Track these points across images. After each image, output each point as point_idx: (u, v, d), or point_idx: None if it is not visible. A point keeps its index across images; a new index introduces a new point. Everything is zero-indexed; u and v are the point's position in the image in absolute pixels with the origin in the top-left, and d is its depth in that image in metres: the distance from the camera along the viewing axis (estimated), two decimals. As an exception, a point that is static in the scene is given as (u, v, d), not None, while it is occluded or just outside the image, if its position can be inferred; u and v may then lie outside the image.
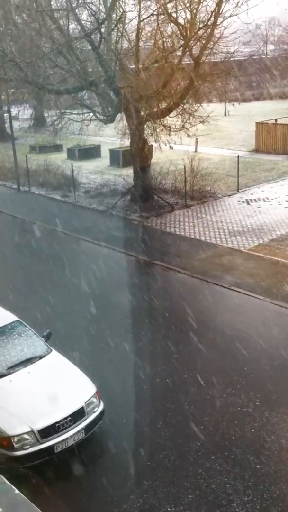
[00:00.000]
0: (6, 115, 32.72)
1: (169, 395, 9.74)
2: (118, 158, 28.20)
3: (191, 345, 11.41)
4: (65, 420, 8.19)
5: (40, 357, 9.26)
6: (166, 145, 20.09)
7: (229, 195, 22.28)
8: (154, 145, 21.08)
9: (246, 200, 21.59)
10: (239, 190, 22.77)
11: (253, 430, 8.76)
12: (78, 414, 8.37)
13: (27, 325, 9.85)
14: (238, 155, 24.23)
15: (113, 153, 28.80)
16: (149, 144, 21.13)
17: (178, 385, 10.01)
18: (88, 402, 8.56)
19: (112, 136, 25.74)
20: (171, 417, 9.15)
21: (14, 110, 36.46)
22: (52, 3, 22.51)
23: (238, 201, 21.53)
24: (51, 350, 9.51)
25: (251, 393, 9.69)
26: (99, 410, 8.70)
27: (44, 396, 8.43)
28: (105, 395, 9.06)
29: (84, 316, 12.78)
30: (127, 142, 22.02)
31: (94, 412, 8.61)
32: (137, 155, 21.02)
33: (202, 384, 9.96)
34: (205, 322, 12.44)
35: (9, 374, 8.79)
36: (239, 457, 8.18)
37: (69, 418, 8.24)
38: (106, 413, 8.81)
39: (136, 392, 9.85)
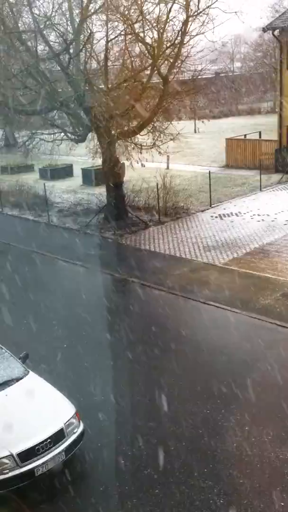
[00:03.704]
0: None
1: (149, 413, 9.67)
2: (91, 177, 28.29)
3: (169, 360, 11.37)
4: (44, 443, 8.05)
5: (17, 379, 9.11)
6: (138, 163, 20.22)
7: (202, 211, 22.47)
8: (126, 163, 21.20)
9: (219, 215, 21.79)
10: (212, 206, 22.98)
11: (234, 445, 8.73)
12: (58, 436, 8.24)
13: (3, 347, 9.71)
14: (209, 171, 24.51)
15: (86, 172, 28.88)
16: (121, 162, 21.24)
17: (157, 402, 9.94)
18: (67, 423, 8.44)
19: (84, 155, 25.81)
20: (152, 434, 9.07)
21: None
22: (19, 24, 22.61)
23: (211, 216, 21.71)
24: (28, 372, 9.37)
25: (232, 406, 9.69)
26: (79, 430, 8.58)
27: (23, 419, 8.30)
28: (84, 415, 8.95)
29: (60, 336, 12.66)
30: (99, 161, 22.13)
31: (74, 433, 8.48)
32: (109, 174, 21.12)
33: (182, 400, 9.93)
34: (182, 337, 12.43)
35: (-14, 397, 8.63)
36: (221, 472, 8.14)
37: (49, 440, 8.10)
38: (85, 432, 8.71)
39: (116, 410, 9.75)
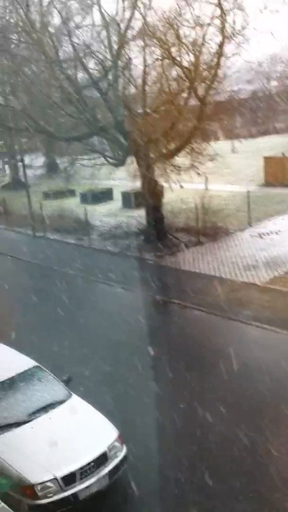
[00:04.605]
0: (20, 163, 33.42)
1: (193, 435, 9.59)
2: (130, 199, 28.56)
3: (212, 381, 11.29)
4: (88, 466, 8.09)
5: (61, 402, 9.21)
6: (176, 184, 20.34)
7: (241, 230, 22.37)
8: (165, 185, 21.35)
9: (259, 233, 21.64)
10: (251, 225, 22.85)
11: (280, 468, 8.56)
12: (101, 459, 8.27)
13: (47, 370, 9.85)
14: (247, 190, 24.41)
15: (125, 195, 29.19)
16: (160, 184, 21.42)
17: (200, 424, 9.86)
18: (110, 446, 8.46)
19: (123, 179, 26.15)
20: (196, 457, 8.99)
21: (27, 158, 37.31)
22: (60, 54, 23.31)
23: (251, 235, 21.58)
24: (72, 395, 9.46)
25: (278, 429, 9.51)
26: (122, 454, 8.59)
27: (66, 442, 8.36)
28: (126, 438, 8.95)
29: (102, 358, 12.74)
30: (138, 184, 22.37)
31: (117, 456, 8.50)
32: (148, 196, 21.31)
33: (226, 422, 9.82)
34: (225, 358, 12.32)
35: (30, 420, 8.74)
36: (268, 497, 7.99)
37: (92, 463, 8.15)
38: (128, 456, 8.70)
39: (159, 433, 9.70)
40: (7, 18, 25.95)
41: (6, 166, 46.30)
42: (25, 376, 9.51)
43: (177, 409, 10.38)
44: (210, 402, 10.52)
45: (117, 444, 8.57)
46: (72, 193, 33.86)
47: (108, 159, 22.08)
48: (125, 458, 8.61)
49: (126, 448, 8.71)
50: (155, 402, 10.69)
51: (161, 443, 9.45)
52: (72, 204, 29.51)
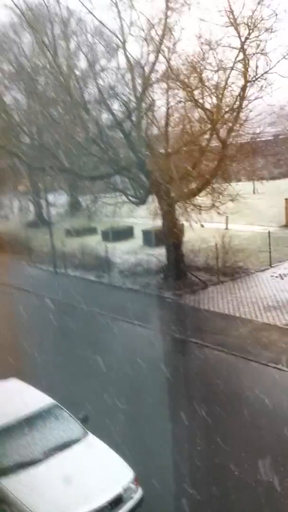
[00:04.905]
0: (43, 201, 33.97)
1: (214, 479, 9.36)
2: (151, 238, 28.72)
3: (231, 423, 11.06)
4: (103, 508, 7.92)
5: (77, 441, 9.10)
6: (197, 223, 20.44)
7: (262, 270, 22.25)
8: (185, 223, 21.46)
9: (280, 274, 21.50)
10: (272, 265, 22.73)
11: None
12: (116, 501, 8.11)
13: (63, 408, 9.77)
14: (269, 230, 24.39)
15: (146, 233, 29.38)
16: (181, 223, 21.54)
17: (219, 467, 9.62)
18: (126, 487, 8.30)
19: (144, 217, 26.36)
20: (215, 502, 8.75)
21: (51, 197, 37.89)
22: (85, 95, 23.95)
23: (271, 275, 21.45)
24: (88, 434, 9.35)
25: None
26: (137, 496, 8.41)
27: (81, 482, 8.23)
28: (143, 479, 8.76)
29: (120, 397, 12.59)
30: (159, 222, 22.53)
31: (132, 498, 8.32)
32: (169, 234, 21.42)
33: (246, 465, 9.57)
34: (244, 399, 12.11)
35: (46, 459, 8.64)
36: None
37: (107, 505, 7.98)
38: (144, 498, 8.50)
39: (176, 476, 9.49)
40: (35, 61, 26.84)
41: (30, 204, 47.05)
42: (41, 414, 9.45)
43: (195, 451, 10.17)
44: (228, 444, 10.29)
45: (132, 485, 8.41)
46: (93, 230, 34.19)
47: (130, 197, 22.35)
48: (141, 500, 8.42)
49: (141, 490, 8.52)
50: (172, 443, 10.49)
51: (178, 485, 9.23)
52: (94, 242, 29.75)
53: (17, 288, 24.03)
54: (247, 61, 18.92)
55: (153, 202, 22.00)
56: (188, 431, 10.97)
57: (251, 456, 9.91)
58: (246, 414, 11.45)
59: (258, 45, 18.71)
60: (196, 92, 19.47)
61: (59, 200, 44.60)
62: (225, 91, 19.41)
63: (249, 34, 18.55)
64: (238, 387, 12.93)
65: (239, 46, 18.72)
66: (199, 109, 19.92)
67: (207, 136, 20.29)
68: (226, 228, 30.10)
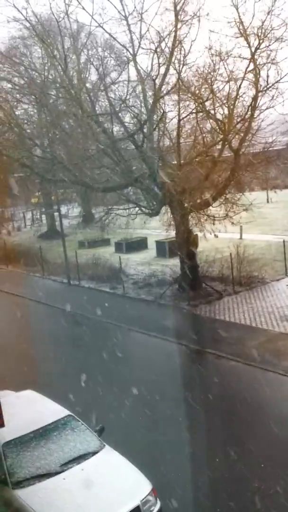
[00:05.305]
0: (56, 213, 34.15)
1: (232, 493, 9.25)
2: (165, 249, 28.72)
3: (249, 435, 10.93)
4: (121, 521, 7.85)
5: (93, 453, 9.04)
6: (211, 233, 20.40)
7: (277, 280, 22.10)
8: (199, 234, 21.43)
9: (296, 284, 21.36)
10: (287, 274, 22.57)
11: None
12: (135, 513, 8.02)
13: (80, 420, 9.72)
14: (283, 239, 24.25)
15: (159, 244, 29.39)
16: (194, 233, 21.51)
17: (238, 480, 9.51)
18: (144, 500, 8.20)
19: (157, 228, 26.39)
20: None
21: (64, 209, 38.12)
22: (96, 108, 24.11)
23: (287, 285, 21.28)
24: (104, 446, 9.28)
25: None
26: (156, 509, 8.31)
27: (99, 495, 8.16)
28: (160, 492, 8.67)
29: (136, 409, 12.53)
30: (172, 233, 22.51)
31: (151, 511, 8.22)
32: (183, 245, 21.38)
33: (265, 478, 9.44)
34: (262, 410, 11.98)
35: (63, 471, 8.59)
36: None
37: (125, 518, 7.90)
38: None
39: (194, 489, 9.38)
40: (46, 74, 27.13)
41: (43, 216, 47.36)
42: (58, 426, 9.41)
43: (213, 463, 10.07)
44: (247, 455, 10.17)
45: (151, 498, 8.31)
46: (107, 242, 34.28)
47: (143, 208, 22.39)
48: (159, 513, 8.33)
49: (160, 502, 8.43)
50: (190, 455, 10.39)
51: (196, 498, 9.13)
52: (107, 253, 29.83)
53: (32, 300, 24.10)
54: (258, 71, 18.98)
55: (166, 213, 22.02)
56: (206, 442, 10.87)
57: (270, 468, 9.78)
58: (269, 424, 11.28)
59: (269, 55, 18.79)
60: (207, 103, 19.53)
61: (72, 212, 44.85)
62: (237, 102, 19.46)
63: (259, 44, 18.63)
64: (255, 398, 12.78)
65: (249, 56, 18.79)
66: (211, 120, 19.97)
67: (219, 146, 20.31)
68: (241, 238, 30.02)
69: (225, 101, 19.51)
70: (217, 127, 19.80)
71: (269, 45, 18.67)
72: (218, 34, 21.09)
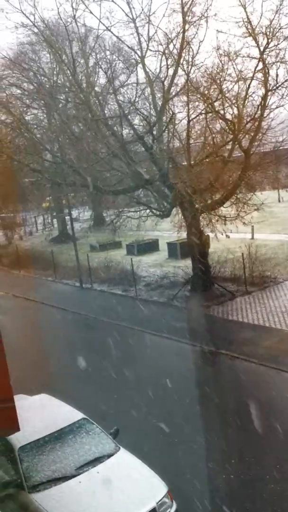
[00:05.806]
0: (67, 217, 34.29)
1: (247, 495, 9.20)
2: (176, 250, 28.68)
3: (263, 437, 10.86)
4: (137, 523, 7.83)
5: (109, 456, 9.04)
6: (222, 234, 20.33)
7: (290, 279, 22.01)
8: (211, 235, 21.37)
9: (309, 283, 21.22)
10: (301, 274, 22.46)
11: None
12: (151, 516, 8.00)
13: (94, 423, 9.72)
14: (296, 239, 24.16)
15: (171, 246, 29.36)
16: (206, 234, 21.46)
17: (253, 482, 9.46)
18: (160, 502, 8.18)
19: (169, 230, 26.35)
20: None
21: (74, 212, 38.22)
22: (105, 111, 24.16)
23: (301, 284, 21.18)
24: (119, 448, 9.28)
25: None
26: (172, 511, 8.28)
27: (115, 498, 8.15)
28: (176, 495, 8.64)
29: (150, 410, 12.51)
30: (184, 235, 22.49)
31: (167, 513, 8.21)
32: (194, 246, 21.33)
33: (279, 480, 9.38)
34: (277, 411, 11.90)
35: (78, 475, 8.59)
36: None
37: (141, 521, 7.89)
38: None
39: (210, 490, 9.35)
40: (55, 79, 27.25)
41: (55, 220, 47.52)
42: (72, 429, 9.42)
43: (230, 465, 10.02)
44: (262, 458, 10.12)
45: (166, 500, 8.29)
46: (118, 244, 34.31)
47: (154, 210, 22.37)
48: (175, 515, 8.31)
49: (176, 504, 8.40)
50: (206, 457, 10.35)
51: (212, 500, 9.09)
52: (119, 256, 29.85)
53: (44, 303, 24.19)
54: (267, 70, 18.90)
55: (177, 214, 21.98)
56: (221, 444, 10.82)
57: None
58: (278, 424, 11.21)
59: (278, 54, 18.71)
60: (216, 104, 19.46)
61: (83, 215, 44.95)
62: (246, 101, 19.38)
63: (268, 43, 18.56)
64: (270, 398, 12.71)
65: (258, 55, 18.72)
66: (220, 120, 19.91)
67: (229, 146, 20.25)
68: (252, 238, 29.90)
69: (234, 101, 19.45)
70: (226, 127, 19.75)
71: (278, 44, 18.62)
72: (226, 34, 21.17)
